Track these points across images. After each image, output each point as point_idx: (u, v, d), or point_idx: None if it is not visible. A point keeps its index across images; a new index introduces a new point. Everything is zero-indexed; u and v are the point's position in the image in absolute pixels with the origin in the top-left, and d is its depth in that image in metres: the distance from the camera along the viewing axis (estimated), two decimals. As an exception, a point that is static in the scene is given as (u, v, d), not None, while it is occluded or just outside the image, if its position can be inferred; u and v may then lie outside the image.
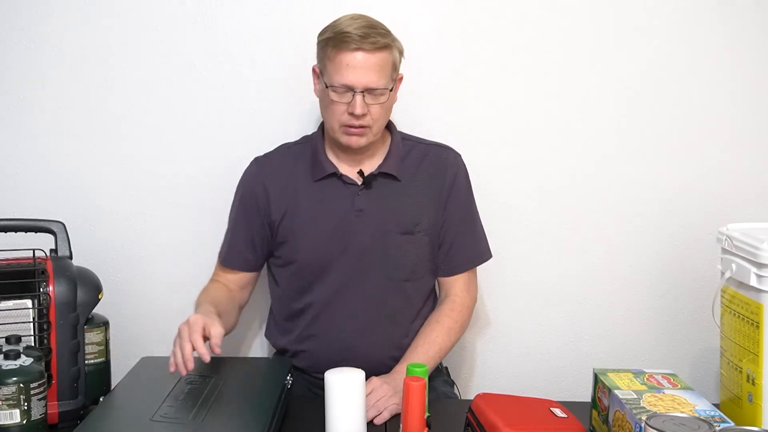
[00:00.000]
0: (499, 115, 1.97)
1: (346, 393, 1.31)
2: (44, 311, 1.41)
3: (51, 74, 1.92)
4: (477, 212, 1.77)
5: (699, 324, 2.01)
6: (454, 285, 1.74)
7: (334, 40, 1.54)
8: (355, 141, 1.60)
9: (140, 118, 1.94)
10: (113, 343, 1.56)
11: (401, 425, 1.28)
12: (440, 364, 1.77)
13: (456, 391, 1.80)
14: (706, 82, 1.98)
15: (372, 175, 1.66)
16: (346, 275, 1.65)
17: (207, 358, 1.35)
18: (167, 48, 1.92)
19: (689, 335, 2.04)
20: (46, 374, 1.31)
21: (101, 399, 1.40)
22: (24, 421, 1.25)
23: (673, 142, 1.99)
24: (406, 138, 1.74)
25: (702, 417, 1.17)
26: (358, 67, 1.52)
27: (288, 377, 1.49)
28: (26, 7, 1.89)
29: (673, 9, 1.95)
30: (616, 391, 1.32)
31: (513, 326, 2.04)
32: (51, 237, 1.53)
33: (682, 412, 1.20)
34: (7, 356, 1.27)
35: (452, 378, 1.86)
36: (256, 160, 1.74)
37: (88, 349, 1.47)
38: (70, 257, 1.52)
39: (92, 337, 1.48)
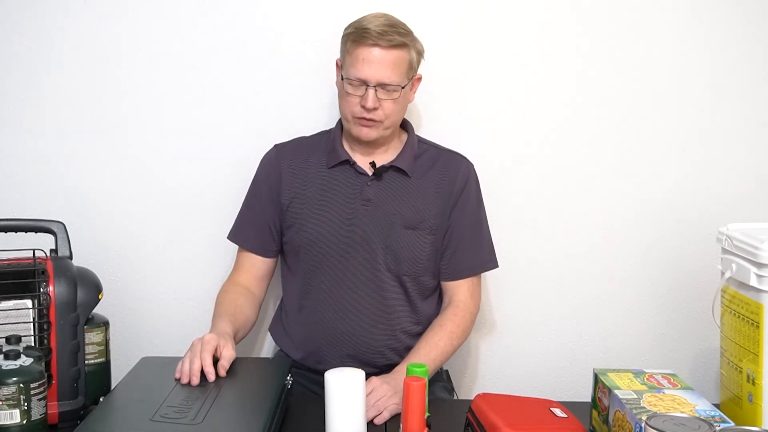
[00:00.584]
0: (500, 117, 1.97)
1: (346, 393, 1.31)
2: (44, 311, 1.41)
3: (51, 74, 1.92)
4: (486, 221, 1.79)
5: (699, 324, 2.01)
6: (458, 291, 1.75)
7: (354, 35, 1.61)
8: (365, 133, 1.64)
9: (141, 118, 1.94)
10: (113, 343, 1.56)
11: (401, 425, 1.28)
12: (440, 367, 1.77)
13: (455, 397, 1.81)
14: (706, 82, 1.98)
15: (383, 168, 1.70)
16: (348, 263, 1.68)
17: (212, 377, 1.41)
18: (167, 48, 1.92)
19: (689, 335, 2.04)
20: (46, 374, 1.31)
21: (101, 399, 1.40)
22: (24, 421, 1.25)
23: (674, 142, 1.99)
24: (423, 141, 1.78)
25: (702, 417, 1.17)
26: (374, 62, 1.58)
27: (288, 377, 1.49)
28: (27, 8, 1.89)
29: (674, 8, 1.95)
30: (617, 391, 1.32)
31: (513, 326, 2.04)
32: (51, 237, 1.53)
33: (682, 412, 1.20)
34: (7, 356, 1.27)
35: (453, 378, 1.86)
36: (276, 145, 1.79)
37: (88, 349, 1.47)
38: (70, 257, 1.52)
39: (92, 337, 1.48)
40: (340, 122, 1.76)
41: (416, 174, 1.72)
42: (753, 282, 1.36)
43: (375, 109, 1.61)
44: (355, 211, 1.68)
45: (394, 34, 1.58)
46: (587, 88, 1.97)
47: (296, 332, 1.74)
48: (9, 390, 1.24)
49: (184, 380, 1.39)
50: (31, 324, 1.40)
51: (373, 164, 1.70)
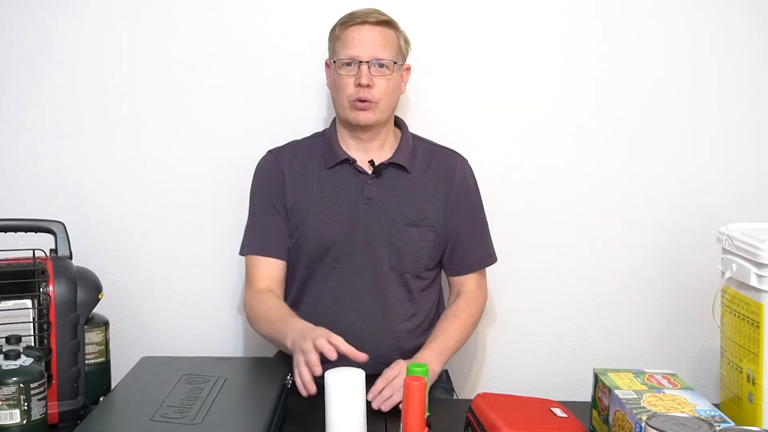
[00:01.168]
0: (501, 116, 1.97)
1: (346, 393, 1.31)
2: (44, 311, 1.41)
3: (51, 75, 1.92)
4: (485, 216, 1.81)
5: (699, 324, 2.01)
6: (467, 283, 1.78)
7: (341, 20, 1.67)
8: (363, 116, 1.65)
9: (141, 118, 1.94)
10: (113, 343, 1.56)
11: (401, 425, 1.28)
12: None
13: (455, 397, 1.81)
14: (706, 82, 1.98)
15: (383, 165, 1.70)
16: (352, 263, 1.69)
17: (361, 356, 1.40)
18: (167, 49, 1.92)
19: (689, 335, 2.04)
20: (46, 374, 1.31)
21: (101, 399, 1.40)
22: (24, 421, 1.25)
23: (674, 142, 1.99)
24: (416, 137, 1.79)
25: (702, 417, 1.17)
26: (364, 39, 1.63)
27: (288, 377, 1.49)
28: (27, 8, 1.89)
29: (675, 8, 1.95)
30: (617, 391, 1.32)
31: (513, 326, 2.04)
32: (51, 237, 1.53)
33: (682, 412, 1.20)
34: (7, 356, 1.27)
35: (453, 378, 1.86)
36: (270, 151, 1.78)
37: (88, 349, 1.47)
38: (70, 257, 1.52)
39: (92, 337, 1.48)
40: (334, 122, 1.76)
41: (415, 171, 1.73)
42: (753, 282, 1.36)
43: (369, 86, 1.62)
44: (357, 211, 1.69)
45: (380, 14, 1.65)
46: (587, 89, 1.97)
47: None
48: (9, 390, 1.24)
49: (305, 393, 1.39)
50: (31, 324, 1.40)
51: (372, 162, 1.70)
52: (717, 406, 1.42)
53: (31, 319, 1.40)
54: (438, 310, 1.80)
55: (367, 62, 1.62)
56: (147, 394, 1.36)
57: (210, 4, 1.92)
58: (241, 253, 1.75)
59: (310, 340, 1.40)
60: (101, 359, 1.50)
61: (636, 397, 1.30)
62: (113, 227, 1.96)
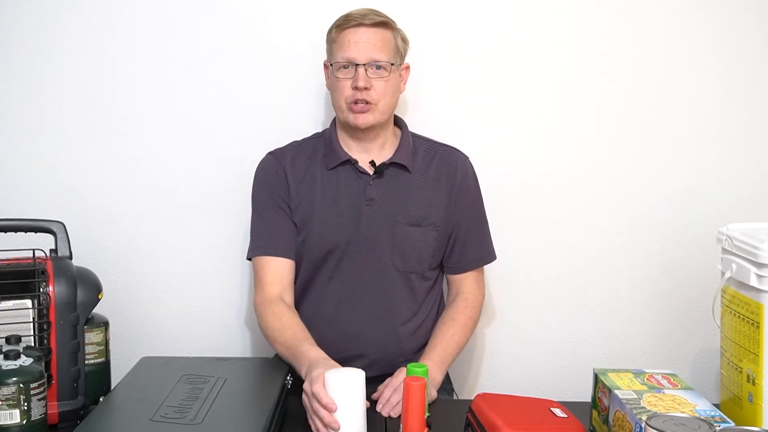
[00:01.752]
0: (502, 116, 1.97)
1: (346, 393, 1.31)
2: (44, 311, 1.41)
3: (51, 75, 1.92)
4: (485, 214, 1.80)
5: (699, 324, 2.01)
6: (465, 282, 1.77)
7: (337, 22, 1.66)
8: (362, 119, 1.64)
9: (141, 118, 1.94)
10: (113, 343, 1.56)
11: (401, 425, 1.28)
12: None
13: (455, 397, 1.81)
14: (706, 82, 1.98)
15: (384, 165, 1.70)
16: (355, 264, 1.68)
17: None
18: (167, 49, 1.92)
19: (689, 335, 2.04)
20: (46, 374, 1.31)
21: (101, 399, 1.40)
22: (24, 421, 1.25)
23: (674, 142, 1.99)
24: (417, 136, 1.79)
25: (702, 417, 1.17)
26: (360, 41, 1.62)
27: (288, 377, 1.49)
28: (26, 8, 1.89)
29: (675, 9, 1.95)
30: (617, 391, 1.32)
31: (513, 326, 2.04)
32: (51, 237, 1.53)
33: (682, 412, 1.20)
34: (7, 356, 1.27)
35: (453, 378, 1.86)
36: (270, 152, 1.76)
37: (88, 349, 1.47)
38: (70, 257, 1.52)
39: (92, 337, 1.48)
40: (334, 123, 1.76)
41: (416, 170, 1.72)
42: (753, 282, 1.36)
43: (367, 88, 1.61)
44: (359, 212, 1.68)
45: (376, 15, 1.64)
46: (587, 89, 1.97)
47: None
48: (9, 390, 1.24)
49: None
50: (31, 324, 1.40)
51: (372, 163, 1.70)
52: (717, 406, 1.42)
53: (31, 319, 1.40)
54: (439, 310, 1.79)
55: (364, 65, 1.61)
56: (147, 394, 1.36)
57: (210, 4, 1.92)
58: (248, 258, 1.72)
59: (310, 381, 1.35)
60: (101, 359, 1.50)
61: (636, 397, 1.30)
62: (113, 227, 1.96)
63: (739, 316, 1.42)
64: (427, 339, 1.71)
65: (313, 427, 1.34)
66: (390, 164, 1.71)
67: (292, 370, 1.53)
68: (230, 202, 1.89)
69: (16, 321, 1.39)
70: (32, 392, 1.26)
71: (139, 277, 1.98)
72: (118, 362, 1.61)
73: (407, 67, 1.74)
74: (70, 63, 1.91)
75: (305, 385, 1.37)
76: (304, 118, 1.94)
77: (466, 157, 1.79)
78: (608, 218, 2.01)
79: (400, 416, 1.29)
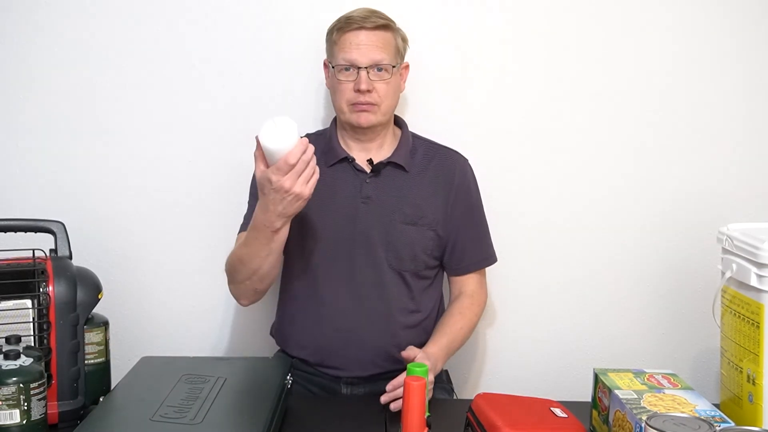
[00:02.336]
0: (502, 117, 1.97)
1: (286, 139, 1.37)
2: (44, 311, 1.41)
3: (51, 75, 1.92)
4: (485, 216, 1.81)
5: (699, 324, 2.01)
6: (468, 282, 1.78)
7: (338, 25, 1.67)
8: (365, 118, 1.65)
9: (141, 118, 1.94)
10: (113, 343, 1.56)
11: (401, 425, 1.28)
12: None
13: (455, 397, 1.81)
14: (706, 83, 1.98)
15: (381, 164, 1.71)
16: (350, 261, 1.69)
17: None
18: (168, 48, 1.92)
19: (689, 335, 2.04)
20: (46, 374, 1.31)
21: (101, 399, 1.40)
22: (24, 421, 1.25)
23: (674, 142, 1.99)
24: (417, 137, 1.80)
25: (702, 417, 1.17)
26: (362, 44, 1.63)
27: (288, 377, 1.49)
28: (27, 8, 1.89)
29: (676, 11, 1.95)
30: (617, 391, 1.32)
31: (513, 326, 2.04)
32: (51, 237, 1.53)
33: (682, 412, 1.20)
34: (7, 356, 1.27)
35: (453, 378, 1.87)
36: None
37: (88, 349, 1.47)
38: (70, 257, 1.52)
39: (92, 337, 1.48)
40: (334, 121, 1.77)
41: (414, 170, 1.73)
42: (753, 282, 1.36)
43: (369, 91, 1.62)
44: (355, 209, 1.69)
45: (377, 18, 1.65)
46: (588, 89, 1.97)
47: (298, 333, 1.74)
48: (9, 390, 1.24)
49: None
50: (31, 324, 1.40)
51: (370, 161, 1.71)
52: (717, 406, 1.42)
53: (31, 319, 1.40)
54: (440, 310, 1.80)
55: (366, 68, 1.62)
56: (147, 394, 1.36)
57: (210, 4, 1.92)
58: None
59: (270, 184, 1.41)
60: (101, 359, 1.50)
61: (636, 397, 1.30)
62: (113, 227, 1.96)
63: (739, 316, 1.42)
64: (426, 338, 1.71)
65: (306, 188, 1.41)
66: (387, 163, 1.71)
67: (292, 371, 1.53)
68: (230, 202, 1.89)
69: (16, 321, 1.39)
70: (32, 392, 1.26)
71: (139, 277, 1.98)
72: (118, 362, 1.61)
73: (407, 66, 1.75)
74: (70, 63, 1.91)
75: (265, 175, 1.42)
76: (304, 118, 1.94)
77: (466, 160, 1.79)
78: (608, 219, 2.01)
79: (399, 416, 1.29)
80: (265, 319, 1.92)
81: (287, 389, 1.46)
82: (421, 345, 1.70)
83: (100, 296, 1.49)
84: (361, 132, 1.69)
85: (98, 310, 1.51)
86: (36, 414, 1.26)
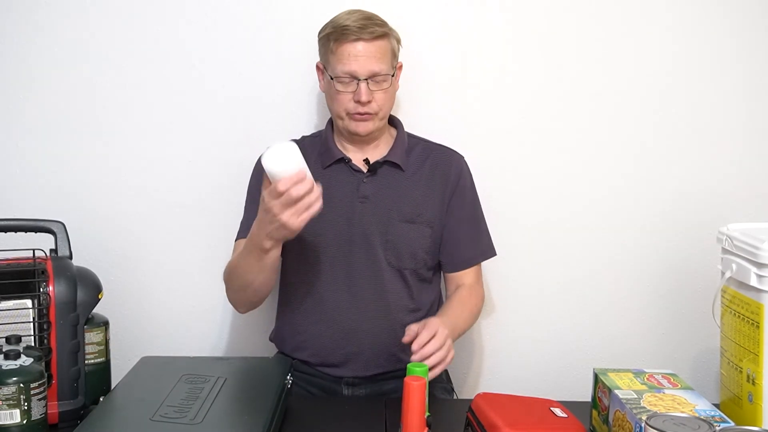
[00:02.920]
0: (502, 117, 1.98)
1: (285, 162, 1.37)
2: (44, 311, 1.41)
3: (51, 75, 1.92)
4: (481, 211, 1.81)
5: (699, 324, 2.01)
6: (465, 277, 1.77)
7: (334, 34, 1.63)
8: (363, 127, 1.66)
9: (141, 118, 1.94)
10: (113, 343, 1.56)
11: (401, 425, 1.28)
12: None
13: (455, 397, 1.81)
14: (706, 83, 1.98)
15: (378, 163, 1.71)
16: (348, 261, 1.69)
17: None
18: (168, 48, 1.92)
19: (689, 335, 2.04)
20: (46, 374, 1.31)
21: (101, 399, 1.40)
22: (24, 421, 1.25)
23: (674, 142, 1.99)
24: (412, 136, 1.80)
25: (702, 417, 1.17)
26: (360, 56, 1.62)
27: (288, 377, 1.49)
28: (26, 8, 1.89)
29: (676, 11, 1.95)
30: (617, 391, 1.32)
31: (513, 326, 2.04)
32: (51, 237, 1.53)
33: (682, 412, 1.20)
34: (7, 356, 1.27)
35: (453, 378, 1.87)
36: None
37: (88, 349, 1.47)
38: (70, 257, 1.52)
39: (92, 337, 1.48)
40: (330, 122, 1.77)
41: (410, 168, 1.74)
42: (753, 282, 1.36)
43: (369, 102, 1.63)
44: (353, 209, 1.70)
45: (374, 26, 1.63)
46: (587, 89, 1.97)
47: (298, 334, 1.74)
48: (9, 390, 1.24)
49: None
50: (31, 324, 1.40)
51: (366, 161, 1.71)
52: (717, 406, 1.42)
53: (31, 319, 1.40)
54: (439, 308, 1.79)
55: (366, 79, 1.62)
56: (147, 394, 1.36)
57: (210, 4, 1.92)
58: (238, 240, 1.73)
59: (268, 202, 1.39)
60: (101, 359, 1.50)
61: (636, 397, 1.30)
62: (113, 227, 1.96)
63: (739, 316, 1.42)
64: None
65: (295, 220, 1.38)
66: (384, 162, 1.72)
67: (292, 371, 1.53)
68: (230, 202, 1.89)
69: (16, 321, 1.39)
70: (32, 392, 1.26)
71: (139, 277, 1.98)
72: (118, 362, 1.61)
73: (400, 66, 1.75)
74: (70, 63, 1.91)
75: (263, 193, 1.40)
76: (304, 118, 1.94)
77: (462, 157, 1.79)
78: (608, 218, 2.01)
79: (400, 416, 1.29)
80: (265, 319, 1.92)
81: (287, 389, 1.46)
82: None
83: (100, 296, 1.49)
84: (357, 136, 1.70)
85: (98, 310, 1.51)
86: (36, 414, 1.26)
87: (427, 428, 1.27)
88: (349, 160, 1.71)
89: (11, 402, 1.24)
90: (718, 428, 1.11)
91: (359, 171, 1.72)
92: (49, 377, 1.39)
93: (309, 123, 1.94)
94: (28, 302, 1.40)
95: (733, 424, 1.24)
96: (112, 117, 1.94)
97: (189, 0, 1.91)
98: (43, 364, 1.33)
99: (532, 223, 2.00)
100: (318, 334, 1.70)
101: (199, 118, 1.95)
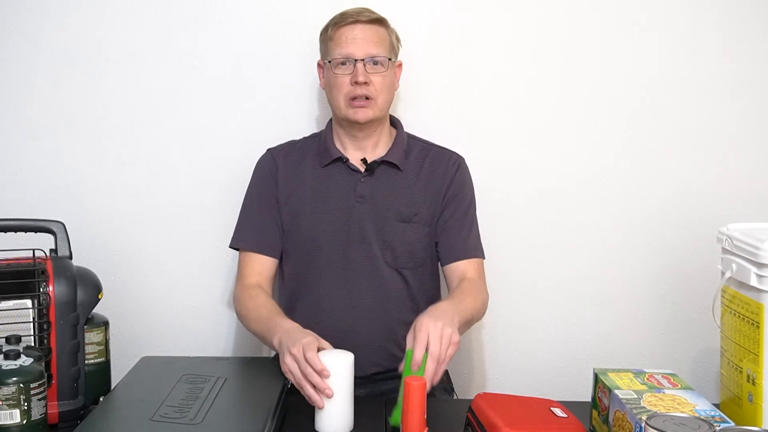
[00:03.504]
0: (500, 116, 1.98)
1: (337, 376, 1.33)
2: (44, 311, 1.41)
3: (51, 75, 1.92)
4: (476, 215, 1.78)
5: (699, 324, 2.01)
6: (465, 272, 1.71)
7: (333, 21, 1.69)
8: (362, 114, 1.66)
9: (140, 118, 1.94)
10: (113, 343, 1.56)
11: (401, 425, 1.28)
12: None
13: (455, 397, 1.81)
14: (706, 82, 1.98)
15: (375, 163, 1.71)
16: (346, 260, 1.70)
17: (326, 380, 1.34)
18: (168, 48, 1.92)
19: (689, 335, 2.04)
20: (46, 374, 1.31)
21: (101, 399, 1.40)
22: (24, 421, 1.25)
23: (674, 142, 1.99)
24: (412, 137, 1.80)
25: (702, 417, 1.17)
26: (357, 38, 1.65)
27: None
28: (27, 8, 1.89)
29: (676, 11, 1.95)
30: (617, 391, 1.32)
31: (513, 326, 2.04)
32: (51, 237, 1.53)
33: (682, 412, 1.20)
34: (7, 356, 1.27)
35: (453, 378, 1.86)
36: (269, 149, 1.80)
37: (88, 349, 1.47)
38: (70, 257, 1.52)
39: (92, 337, 1.48)
40: (330, 123, 1.78)
41: (408, 168, 1.74)
42: (753, 282, 1.36)
43: (366, 83, 1.63)
44: (350, 208, 1.70)
45: (371, 13, 1.67)
46: (587, 89, 1.97)
47: None
48: (9, 390, 1.23)
49: (321, 404, 1.33)
50: (31, 324, 1.40)
51: (364, 161, 1.72)
52: (717, 406, 1.42)
53: (31, 319, 1.40)
54: None
55: (362, 60, 1.64)
56: (147, 394, 1.36)
57: (210, 4, 1.92)
58: (231, 246, 1.75)
59: (300, 346, 1.37)
60: (101, 359, 1.50)
61: (636, 397, 1.30)
62: (113, 227, 1.96)
63: (739, 316, 1.42)
64: None
65: (305, 393, 1.35)
66: (381, 162, 1.72)
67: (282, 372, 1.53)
68: (230, 202, 1.89)
69: (16, 321, 1.39)
70: (32, 392, 1.26)
71: (139, 277, 1.98)
72: (118, 362, 1.61)
73: (400, 65, 1.76)
74: (70, 63, 1.91)
75: (293, 350, 1.37)
76: (303, 118, 1.94)
77: (460, 157, 1.79)
78: (608, 218, 2.01)
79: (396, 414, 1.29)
80: (265, 319, 1.92)
81: (287, 389, 1.46)
82: None
83: (100, 296, 1.49)
84: (357, 128, 1.70)
85: (98, 310, 1.51)
86: (36, 414, 1.26)
87: (427, 428, 1.27)
88: (347, 160, 1.72)
89: (11, 402, 1.24)
90: (718, 428, 1.11)
91: (356, 170, 1.72)
92: (49, 377, 1.39)
93: (309, 123, 1.94)
94: (28, 302, 1.40)
95: (733, 424, 1.24)
96: (112, 117, 1.94)
97: (189, 0, 1.91)
98: (43, 364, 1.33)
99: (532, 222, 2.00)
100: (316, 334, 1.70)
101: (199, 118, 1.95)
